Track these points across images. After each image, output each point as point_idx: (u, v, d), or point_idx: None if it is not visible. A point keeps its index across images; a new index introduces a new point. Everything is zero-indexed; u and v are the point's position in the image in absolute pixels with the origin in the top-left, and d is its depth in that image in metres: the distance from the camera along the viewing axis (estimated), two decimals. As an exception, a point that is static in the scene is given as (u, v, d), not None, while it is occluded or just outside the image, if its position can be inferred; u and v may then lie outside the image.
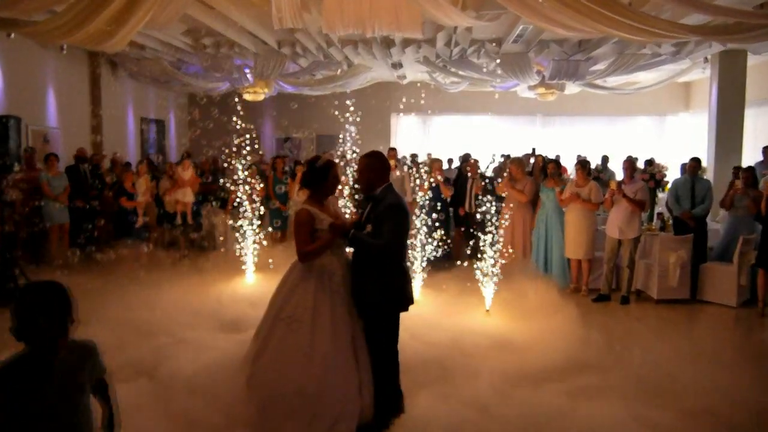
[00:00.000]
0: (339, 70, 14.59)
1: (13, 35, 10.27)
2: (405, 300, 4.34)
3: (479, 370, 5.42)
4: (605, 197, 8.22)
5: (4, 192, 8.06)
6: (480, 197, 8.97)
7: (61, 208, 9.90)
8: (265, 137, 19.86)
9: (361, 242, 4.19)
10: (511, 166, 9.05)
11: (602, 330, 6.97)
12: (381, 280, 4.22)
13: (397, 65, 14.36)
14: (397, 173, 10.23)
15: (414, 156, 14.75)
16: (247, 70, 14.39)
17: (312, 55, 13.28)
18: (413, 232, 7.89)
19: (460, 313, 7.04)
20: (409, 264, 4.54)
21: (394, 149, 10.70)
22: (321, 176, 4.31)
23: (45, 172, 9.82)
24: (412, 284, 4.51)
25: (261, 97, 15.73)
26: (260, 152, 15.68)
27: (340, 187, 5.07)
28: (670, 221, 8.72)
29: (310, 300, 4.15)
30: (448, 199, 10.03)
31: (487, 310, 7.11)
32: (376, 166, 4.34)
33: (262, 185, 9.94)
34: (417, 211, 7.79)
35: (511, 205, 8.87)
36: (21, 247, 9.23)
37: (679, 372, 5.66)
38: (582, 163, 8.41)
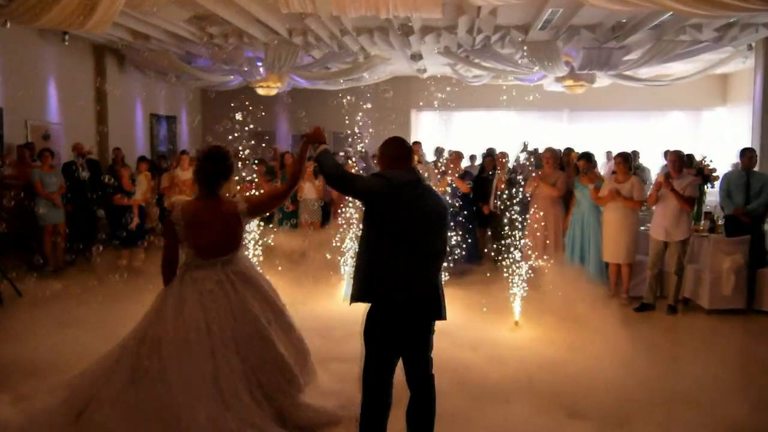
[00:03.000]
0: (354, 62, 13.85)
1: (9, 24, 9.71)
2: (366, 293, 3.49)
3: (506, 395, 4.69)
4: (649, 193, 7.35)
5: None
6: (505, 193, 8.20)
7: (55, 208, 9.24)
8: (281, 134, 19.21)
9: (324, 162, 3.54)
10: (545, 153, 8.23)
11: (647, 345, 6.10)
12: (362, 262, 3.56)
13: (416, 56, 13.60)
14: (420, 171, 9.43)
15: (439, 150, 14.02)
16: (259, 63, 13.72)
17: (325, 45, 12.56)
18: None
19: (485, 326, 6.26)
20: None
21: (418, 143, 9.86)
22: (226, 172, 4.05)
23: (38, 168, 9.19)
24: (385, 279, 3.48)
25: (274, 92, 15.10)
26: (274, 146, 15.07)
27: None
28: (720, 221, 7.82)
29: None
30: (470, 196, 9.18)
31: (516, 322, 6.29)
32: (391, 153, 3.64)
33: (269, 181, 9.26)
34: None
35: (535, 204, 8.05)
36: (9, 248, 8.62)
37: (734, 393, 4.88)
38: (623, 157, 7.52)
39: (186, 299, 3.81)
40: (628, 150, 11.91)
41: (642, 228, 7.85)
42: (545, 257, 6.85)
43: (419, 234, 3.47)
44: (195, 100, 18.49)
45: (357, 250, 3.62)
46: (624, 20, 10.96)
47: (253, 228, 7.44)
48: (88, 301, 7.04)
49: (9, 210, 8.26)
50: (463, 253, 8.02)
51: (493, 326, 6.29)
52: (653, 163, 14.03)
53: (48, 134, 11.55)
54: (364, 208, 3.56)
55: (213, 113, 17.25)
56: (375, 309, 3.48)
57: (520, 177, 8.04)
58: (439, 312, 3.58)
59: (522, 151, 10.25)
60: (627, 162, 7.50)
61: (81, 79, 12.79)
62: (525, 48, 12.05)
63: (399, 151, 3.63)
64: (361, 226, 3.67)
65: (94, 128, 13.25)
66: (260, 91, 14.86)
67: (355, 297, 3.50)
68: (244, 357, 3.83)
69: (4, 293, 7.36)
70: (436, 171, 9.15)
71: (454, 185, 8.77)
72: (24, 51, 10.79)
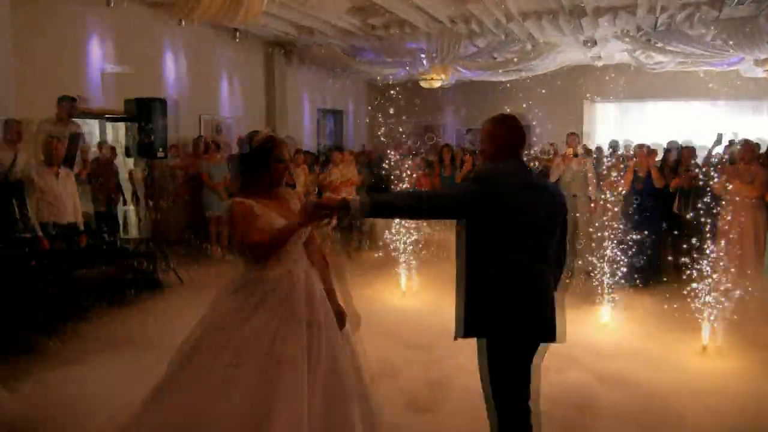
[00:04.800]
0: (522, 50, 13.05)
1: (183, 23, 10.19)
2: (490, 322, 2.88)
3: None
4: None
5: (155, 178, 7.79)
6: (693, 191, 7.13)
7: (221, 199, 9.53)
8: (447, 128, 18.84)
9: (386, 204, 2.91)
10: (741, 146, 7.02)
11: None
12: (465, 283, 2.92)
13: (589, 42, 12.52)
14: (574, 165, 8.53)
15: (614, 144, 12.89)
16: (422, 55, 13.40)
17: (490, 33, 11.91)
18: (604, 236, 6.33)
19: (667, 347, 5.36)
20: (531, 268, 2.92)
21: (574, 134, 8.93)
22: (260, 160, 3.00)
23: (206, 161, 9.55)
24: (528, 303, 2.92)
25: (438, 84, 14.72)
26: (437, 139, 14.70)
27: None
28: None
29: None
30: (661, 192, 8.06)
31: (704, 347, 5.31)
32: (496, 133, 2.99)
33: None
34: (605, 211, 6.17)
35: (730, 206, 6.85)
36: (176, 237, 9.00)
37: None
38: None
39: None
40: None
41: None
42: (742, 270, 5.74)
43: (534, 239, 2.90)
44: (362, 94, 18.62)
45: (463, 273, 2.97)
46: None
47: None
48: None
49: (175, 200, 8.60)
50: (645, 259, 7.03)
51: (676, 348, 5.37)
52: None
53: (220, 128, 12.05)
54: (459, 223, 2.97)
55: (380, 107, 17.29)
56: (497, 336, 2.91)
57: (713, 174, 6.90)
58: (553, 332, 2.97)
59: (716, 144, 8.97)
60: None
61: (251, 75, 13.24)
62: (718, 27, 10.58)
63: (510, 136, 3.00)
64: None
65: (264, 122, 13.67)
66: (424, 84, 14.56)
67: (476, 327, 2.92)
68: None
69: (167, 280, 7.58)
70: (620, 165, 8.20)
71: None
72: (199, 48, 11.29)
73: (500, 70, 14.10)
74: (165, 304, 6.61)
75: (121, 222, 8.88)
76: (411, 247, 7.35)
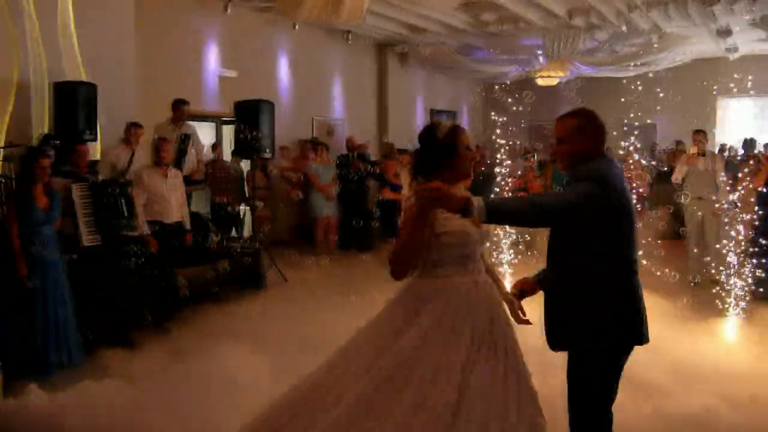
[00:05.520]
0: (646, 43, 12.24)
1: (297, 26, 10.41)
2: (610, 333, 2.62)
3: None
4: None
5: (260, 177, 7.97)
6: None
7: (328, 200, 9.58)
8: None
9: (500, 211, 2.53)
10: None
11: None
12: (572, 289, 2.67)
13: (723, 32, 11.51)
14: (701, 166, 7.76)
15: (749, 142, 11.79)
16: (539, 51, 12.92)
17: (611, 26, 11.24)
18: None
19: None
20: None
21: (700, 132, 8.08)
22: (448, 151, 2.66)
23: (314, 162, 9.65)
24: (637, 311, 2.68)
25: (555, 82, 14.20)
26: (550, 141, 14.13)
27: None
28: None
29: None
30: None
31: None
32: (583, 129, 2.69)
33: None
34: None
35: None
36: (285, 237, 9.16)
37: None
38: None
39: None
40: None
41: None
42: None
43: (634, 237, 2.70)
44: (475, 94, 18.26)
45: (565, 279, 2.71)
46: None
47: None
48: (352, 290, 6.64)
49: (283, 200, 8.75)
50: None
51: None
52: None
53: (331, 130, 12.18)
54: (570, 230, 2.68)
55: (494, 107, 16.83)
56: (587, 346, 2.66)
57: None
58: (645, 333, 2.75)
59: None
60: None
61: (363, 76, 13.30)
62: None
63: (600, 131, 2.73)
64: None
65: (375, 123, 13.70)
66: (540, 82, 14.07)
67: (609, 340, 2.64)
68: None
69: (271, 279, 7.69)
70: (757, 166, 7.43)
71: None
72: (311, 51, 11.47)
73: (622, 65, 13.31)
74: (266, 302, 6.72)
75: (233, 221, 9.13)
76: (510, 247, 7.08)
